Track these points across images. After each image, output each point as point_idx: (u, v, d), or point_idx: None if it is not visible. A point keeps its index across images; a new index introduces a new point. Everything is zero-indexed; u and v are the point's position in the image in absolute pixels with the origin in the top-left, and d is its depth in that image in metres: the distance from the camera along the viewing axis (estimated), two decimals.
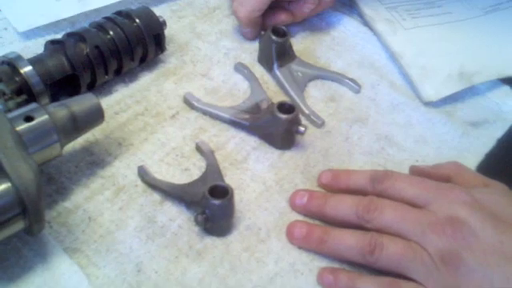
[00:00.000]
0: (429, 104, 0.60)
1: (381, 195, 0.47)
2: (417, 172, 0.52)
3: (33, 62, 0.49)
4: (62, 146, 0.44)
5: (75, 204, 0.47)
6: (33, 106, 0.43)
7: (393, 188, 0.47)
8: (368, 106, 0.59)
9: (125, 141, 0.52)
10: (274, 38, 0.58)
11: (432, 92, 0.60)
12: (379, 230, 0.45)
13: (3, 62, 0.49)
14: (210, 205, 0.44)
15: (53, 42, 0.52)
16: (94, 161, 0.50)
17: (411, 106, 0.60)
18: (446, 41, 0.65)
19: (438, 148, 0.57)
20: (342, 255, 0.46)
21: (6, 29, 0.59)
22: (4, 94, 0.47)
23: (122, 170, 0.50)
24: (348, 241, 0.45)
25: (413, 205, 0.46)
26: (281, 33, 0.59)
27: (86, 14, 0.60)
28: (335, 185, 0.51)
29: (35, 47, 0.56)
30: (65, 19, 0.59)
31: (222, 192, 0.45)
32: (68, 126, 0.44)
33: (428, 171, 0.51)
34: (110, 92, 0.55)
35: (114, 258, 0.44)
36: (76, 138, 0.46)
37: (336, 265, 0.46)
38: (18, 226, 0.39)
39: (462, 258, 0.42)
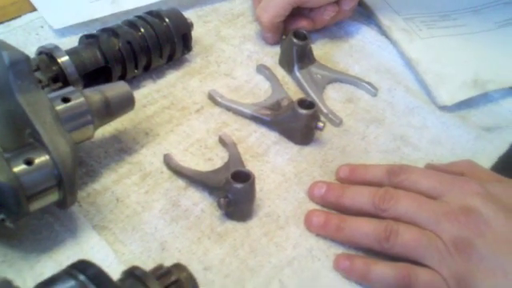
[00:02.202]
0: (443, 108, 0.62)
1: (396, 187, 0.49)
2: (432, 169, 0.53)
3: (69, 53, 0.52)
4: (95, 129, 0.47)
5: (104, 186, 0.49)
6: (70, 89, 0.46)
7: (408, 180, 0.49)
8: (384, 109, 0.62)
9: (151, 131, 0.54)
10: (295, 40, 0.61)
11: (447, 96, 0.62)
12: (395, 219, 0.47)
13: (41, 52, 0.52)
14: (233, 189, 0.46)
15: (87, 37, 0.55)
16: (122, 148, 0.52)
17: (426, 109, 0.62)
18: (460, 50, 0.68)
19: (452, 149, 0.58)
20: (358, 242, 0.48)
21: (42, 27, 0.62)
22: (41, 81, 0.50)
23: (149, 157, 0.52)
24: (364, 228, 0.47)
25: (428, 196, 0.47)
26: (302, 36, 0.62)
27: (116, 16, 0.64)
28: (352, 178, 0.53)
29: (69, 44, 0.59)
30: (97, 19, 0.63)
31: (243, 177, 0.47)
32: (101, 109, 0.47)
33: (442, 168, 0.52)
34: (138, 86, 0.58)
35: (139, 236, 0.46)
36: (108, 121, 0.48)
37: (352, 252, 0.48)
38: (53, 197, 0.41)
39: (474, 245, 0.43)
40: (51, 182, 0.41)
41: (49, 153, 0.40)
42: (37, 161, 0.40)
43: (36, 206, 0.41)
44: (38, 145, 0.41)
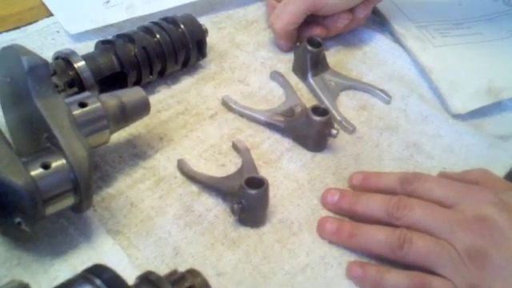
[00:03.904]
0: (457, 117, 0.62)
1: (410, 195, 0.49)
2: (445, 177, 0.53)
3: (85, 58, 0.53)
4: (111, 133, 0.47)
5: (118, 190, 0.50)
6: (86, 94, 0.47)
7: (422, 188, 0.49)
8: (398, 116, 0.61)
9: (166, 136, 0.55)
10: (309, 48, 0.61)
11: (460, 105, 0.62)
12: (408, 228, 0.47)
13: (58, 57, 0.53)
14: (247, 194, 0.46)
15: (103, 42, 0.56)
16: (136, 153, 0.53)
17: (440, 117, 0.62)
18: (474, 58, 0.68)
19: (466, 158, 0.58)
20: (372, 249, 0.47)
21: (58, 32, 0.63)
22: (57, 86, 0.51)
23: (163, 162, 0.53)
24: (378, 235, 0.47)
25: (441, 204, 0.47)
26: (316, 43, 0.62)
27: (131, 22, 0.64)
28: (366, 186, 0.52)
29: (85, 49, 0.60)
30: (112, 25, 0.63)
31: (257, 183, 0.47)
32: (117, 114, 0.47)
33: (456, 176, 0.52)
34: (152, 92, 0.59)
35: (153, 241, 0.47)
36: (123, 126, 0.49)
37: (365, 259, 0.48)
38: (69, 201, 0.42)
39: (488, 254, 0.43)
40: (67, 186, 0.41)
41: (65, 157, 0.41)
42: (53, 165, 0.41)
43: (52, 209, 0.41)
44: (55, 149, 0.41)
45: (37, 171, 0.40)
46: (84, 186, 0.41)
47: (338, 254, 0.48)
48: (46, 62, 0.42)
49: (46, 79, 0.42)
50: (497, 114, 0.64)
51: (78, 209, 0.43)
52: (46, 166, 0.40)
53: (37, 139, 0.42)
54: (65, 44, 0.62)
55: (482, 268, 0.43)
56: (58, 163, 0.41)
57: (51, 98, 0.42)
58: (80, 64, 0.52)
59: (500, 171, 0.57)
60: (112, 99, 0.47)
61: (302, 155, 0.56)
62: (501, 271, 0.43)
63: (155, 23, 0.58)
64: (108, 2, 0.65)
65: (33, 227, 0.40)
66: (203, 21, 0.67)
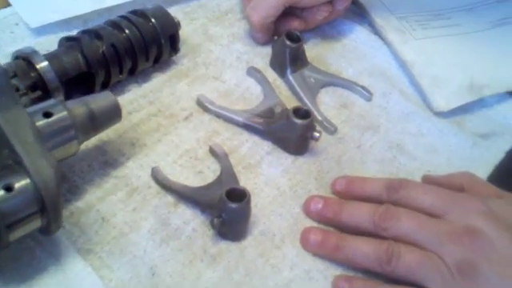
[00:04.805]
0: (439, 114, 0.60)
1: (396, 204, 0.47)
2: (430, 181, 0.51)
3: (48, 58, 0.48)
4: (80, 144, 0.43)
5: (88, 204, 0.46)
6: (51, 101, 0.42)
7: (408, 197, 0.47)
8: (379, 115, 0.59)
9: (138, 141, 0.51)
10: (288, 43, 0.58)
11: (443, 102, 0.60)
12: (395, 239, 0.45)
13: (18, 57, 0.48)
14: (227, 208, 0.44)
15: (68, 39, 0.51)
16: (106, 160, 0.49)
17: (422, 115, 0.60)
18: (455, 52, 0.66)
19: (449, 158, 0.57)
20: (358, 263, 0.46)
21: (17, 24, 0.58)
22: (18, 89, 0.46)
23: (136, 170, 0.49)
24: (364, 249, 0.45)
25: (429, 214, 0.46)
26: (295, 38, 0.59)
27: (98, 13, 0.60)
28: (349, 192, 0.50)
29: (47, 44, 0.55)
30: (77, 16, 0.58)
31: (238, 195, 0.44)
32: (86, 123, 0.43)
33: (441, 181, 0.51)
34: (122, 91, 0.55)
35: (127, 260, 0.43)
36: (93, 136, 0.45)
37: (351, 273, 0.46)
38: (36, 224, 0.38)
39: (479, 268, 0.42)
40: (33, 208, 0.37)
41: (30, 176, 0.37)
42: (17, 185, 0.37)
43: (17, 234, 0.37)
44: (18, 167, 0.37)
45: None
46: (52, 208, 0.38)
47: (323, 267, 0.46)
48: (4, 70, 0.38)
49: (5, 88, 0.38)
50: (478, 110, 0.62)
51: (46, 231, 0.39)
52: (8, 188, 0.36)
53: None
54: (25, 38, 0.56)
55: (472, 282, 0.42)
56: (21, 183, 0.37)
57: (12, 110, 0.38)
58: (43, 65, 0.47)
59: (483, 171, 0.56)
60: (80, 106, 0.43)
61: (283, 159, 0.53)
62: (491, 285, 0.42)
63: (124, 17, 0.54)
64: None
65: None
66: (174, 11, 0.63)
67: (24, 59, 0.47)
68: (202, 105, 0.55)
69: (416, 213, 0.46)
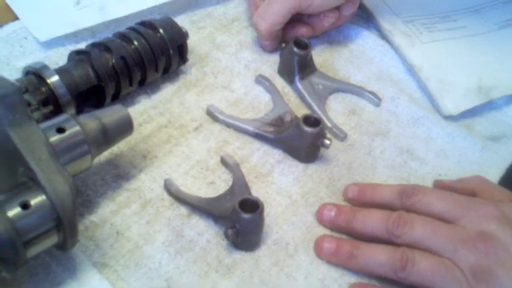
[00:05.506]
0: (448, 117, 0.60)
1: (409, 210, 0.47)
2: (441, 186, 0.52)
3: (58, 72, 0.48)
4: (93, 158, 0.44)
5: (102, 218, 0.46)
6: (64, 116, 0.43)
7: (421, 203, 0.47)
8: (388, 120, 0.59)
9: (149, 153, 0.51)
10: (296, 50, 0.58)
11: (451, 106, 0.60)
12: (409, 245, 0.45)
13: (29, 72, 0.48)
14: (241, 219, 0.44)
15: (78, 53, 0.51)
16: (119, 174, 0.49)
17: (431, 119, 0.60)
18: (462, 55, 0.66)
19: (459, 162, 0.57)
20: (373, 271, 0.46)
21: (25, 38, 0.58)
22: (30, 104, 0.46)
23: (148, 183, 0.49)
24: (379, 256, 0.45)
25: (442, 219, 0.46)
26: (303, 45, 0.59)
27: (106, 25, 0.60)
28: (362, 199, 0.51)
29: (56, 57, 0.56)
30: (85, 29, 0.59)
31: (251, 206, 0.44)
32: (99, 137, 0.43)
33: (453, 186, 0.51)
34: (132, 103, 0.55)
35: (143, 273, 0.44)
36: (106, 149, 0.45)
37: (365, 280, 0.46)
38: (52, 240, 0.38)
39: (494, 273, 0.42)
40: (50, 224, 0.37)
41: (46, 193, 0.37)
42: (33, 203, 0.37)
43: (34, 251, 0.38)
44: (34, 184, 0.38)
45: (15, 211, 0.36)
46: (68, 224, 0.38)
47: (338, 275, 0.46)
48: (18, 88, 0.38)
49: (19, 106, 0.38)
50: (487, 112, 0.62)
51: (62, 247, 0.39)
52: (25, 206, 0.36)
53: (13, 173, 0.38)
54: (34, 52, 0.57)
55: (488, 287, 0.42)
56: (37, 200, 0.37)
57: (26, 127, 0.38)
58: (54, 79, 0.47)
59: (494, 174, 0.56)
60: (92, 121, 0.43)
61: (294, 167, 0.53)
62: None
63: (132, 29, 0.54)
64: (79, 2, 0.60)
65: (14, 273, 0.36)
66: (181, 20, 0.63)
67: (35, 74, 0.48)
68: (211, 115, 0.55)
69: (429, 219, 0.46)
